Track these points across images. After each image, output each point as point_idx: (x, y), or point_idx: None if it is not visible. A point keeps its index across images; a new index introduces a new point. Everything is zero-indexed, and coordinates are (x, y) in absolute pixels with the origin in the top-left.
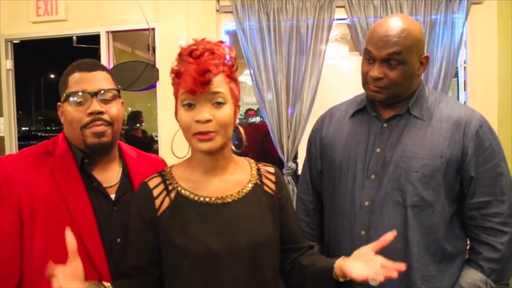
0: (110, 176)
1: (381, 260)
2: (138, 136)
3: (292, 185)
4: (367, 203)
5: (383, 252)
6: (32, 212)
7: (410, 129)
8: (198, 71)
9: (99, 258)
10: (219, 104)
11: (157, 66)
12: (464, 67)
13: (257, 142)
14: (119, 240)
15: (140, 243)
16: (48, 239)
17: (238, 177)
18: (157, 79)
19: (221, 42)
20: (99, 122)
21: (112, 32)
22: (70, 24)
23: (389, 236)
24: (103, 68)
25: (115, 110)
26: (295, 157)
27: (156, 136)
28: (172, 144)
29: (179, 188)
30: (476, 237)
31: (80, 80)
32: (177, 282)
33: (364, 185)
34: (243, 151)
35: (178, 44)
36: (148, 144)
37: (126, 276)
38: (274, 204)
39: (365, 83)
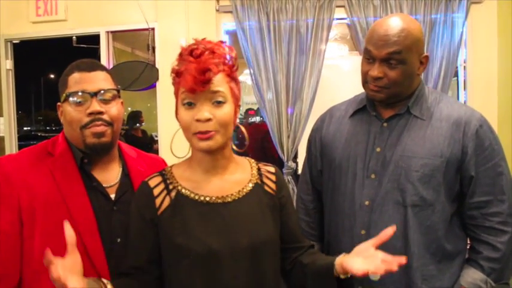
0: (109, 176)
1: (381, 254)
2: (138, 136)
3: (292, 184)
4: (367, 203)
5: (383, 251)
6: (32, 212)
7: (410, 128)
8: (198, 69)
9: (98, 258)
10: (219, 103)
11: (157, 66)
12: (464, 66)
13: (257, 142)
14: (118, 240)
15: (140, 243)
16: (48, 239)
17: (238, 176)
18: (157, 79)
19: (222, 42)
20: (99, 122)
21: (112, 32)
22: (70, 24)
23: (389, 232)
24: (103, 68)
25: (115, 110)
26: (295, 157)
27: (156, 136)
28: (171, 144)
29: (179, 188)
30: (476, 237)
31: (79, 80)
32: (177, 282)
33: (364, 184)
34: (240, 151)
35: (178, 44)
36: (148, 144)
37: (126, 275)
38: (274, 204)
39: (365, 83)
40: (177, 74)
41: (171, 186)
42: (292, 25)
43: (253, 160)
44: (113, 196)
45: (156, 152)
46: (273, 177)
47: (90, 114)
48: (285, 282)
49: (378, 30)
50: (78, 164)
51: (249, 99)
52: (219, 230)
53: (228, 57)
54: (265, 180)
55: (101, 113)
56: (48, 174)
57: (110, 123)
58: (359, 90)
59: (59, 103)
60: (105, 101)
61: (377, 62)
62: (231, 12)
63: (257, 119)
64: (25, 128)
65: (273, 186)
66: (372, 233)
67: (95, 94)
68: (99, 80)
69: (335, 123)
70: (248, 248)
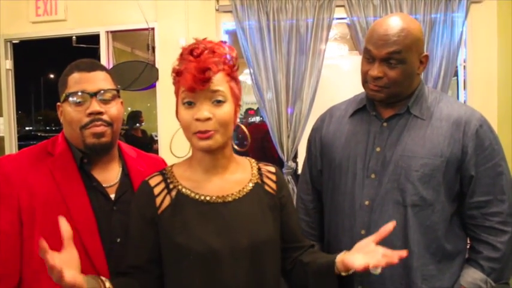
0: (109, 176)
1: (381, 250)
2: (138, 136)
3: (292, 184)
4: (367, 203)
5: None
6: (32, 212)
7: (410, 128)
8: (197, 68)
9: (98, 258)
10: (219, 103)
11: (156, 66)
12: (464, 66)
13: (257, 142)
14: (118, 240)
15: (140, 242)
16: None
17: (239, 176)
18: (157, 79)
19: (223, 42)
20: (99, 123)
21: (111, 31)
22: (69, 24)
23: (388, 227)
24: (102, 68)
25: (114, 110)
26: (295, 156)
27: (156, 136)
28: (171, 144)
29: (180, 187)
30: (476, 237)
31: (79, 80)
32: (178, 281)
33: (364, 184)
34: (242, 151)
35: (177, 44)
36: (148, 144)
37: (125, 275)
38: (275, 204)
39: (365, 82)
40: (177, 74)
41: (171, 186)
42: (292, 25)
43: (253, 160)
44: (112, 196)
45: (156, 152)
46: (274, 177)
47: (90, 114)
48: (286, 282)
49: (377, 30)
50: (77, 164)
51: (248, 99)
52: (219, 230)
53: (228, 56)
54: (266, 180)
55: (100, 113)
56: (48, 174)
57: (109, 124)
58: (359, 90)
59: (58, 103)
60: (105, 101)
61: (377, 61)
62: (230, 12)
63: (257, 118)
64: (27, 128)
65: (273, 186)
66: (372, 232)
67: (94, 94)
68: (99, 80)
69: (335, 123)
70: (248, 248)
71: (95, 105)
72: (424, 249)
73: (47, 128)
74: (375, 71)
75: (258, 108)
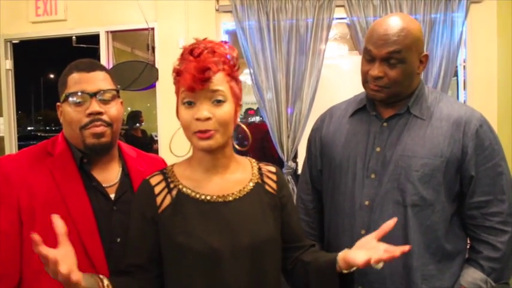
0: (109, 176)
1: (383, 245)
2: (138, 136)
3: (292, 184)
4: (367, 202)
5: None
6: (32, 212)
7: (410, 128)
8: (197, 68)
9: (98, 257)
10: (219, 102)
11: (156, 66)
12: (464, 66)
13: (257, 141)
14: (118, 240)
15: (140, 241)
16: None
17: (239, 176)
18: (157, 79)
19: (223, 42)
20: (99, 123)
21: (111, 31)
22: (69, 24)
23: (390, 224)
24: (102, 68)
25: (114, 110)
26: (295, 156)
27: (156, 136)
28: (170, 144)
29: (180, 186)
30: (476, 237)
31: (78, 81)
32: (178, 280)
33: (364, 184)
34: (243, 150)
35: (177, 44)
36: (148, 144)
37: (125, 273)
38: (275, 204)
39: (365, 82)
40: (177, 73)
41: (172, 185)
42: (292, 25)
43: (254, 160)
44: (112, 196)
45: (156, 151)
46: (274, 177)
47: (90, 114)
48: (287, 282)
49: (377, 30)
50: (77, 164)
51: (248, 99)
52: (220, 229)
53: (228, 56)
54: (266, 180)
55: (100, 113)
56: (48, 174)
57: (109, 124)
58: (359, 90)
59: (58, 103)
60: (105, 101)
61: (377, 61)
62: (230, 12)
63: (257, 118)
64: (29, 128)
65: (273, 185)
66: (371, 232)
67: (94, 94)
68: (99, 80)
69: (335, 122)
70: (249, 248)
71: (95, 106)
72: (424, 249)
73: (47, 128)
74: (375, 70)
75: (257, 108)
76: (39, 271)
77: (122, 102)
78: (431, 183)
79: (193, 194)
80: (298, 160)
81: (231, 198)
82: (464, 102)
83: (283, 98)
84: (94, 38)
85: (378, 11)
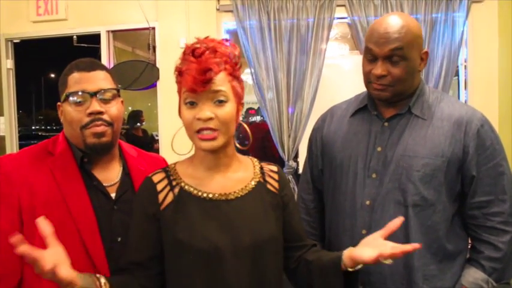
0: (110, 175)
1: (390, 243)
2: (139, 135)
3: (293, 183)
4: (368, 202)
5: None
6: (32, 212)
7: (411, 128)
8: (198, 69)
9: (99, 257)
10: (221, 102)
11: (157, 65)
12: (465, 66)
13: (258, 141)
14: (119, 239)
15: (141, 238)
16: None
17: (241, 175)
18: (158, 78)
19: (225, 40)
20: (99, 122)
21: (112, 31)
22: (70, 24)
23: (396, 222)
24: (102, 67)
25: (115, 109)
26: (296, 156)
27: (157, 135)
28: (172, 142)
29: (183, 184)
30: (477, 237)
31: (79, 80)
32: (179, 278)
33: (365, 184)
34: (243, 150)
35: (178, 44)
36: (149, 143)
37: (125, 271)
38: (277, 203)
39: (368, 83)
40: (179, 73)
41: (174, 183)
42: (293, 24)
43: (255, 159)
44: (113, 195)
45: (157, 151)
46: (276, 176)
47: (90, 114)
48: (290, 281)
49: (378, 29)
50: (78, 163)
51: (249, 99)
52: (221, 227)
53: (230, 55)
54: (268, 179)
55: (101, 112)
56: (49, 173)
57: (110, 123)
58: (360, 89)
59: (59, 103)
60: (105, 101)
61: (379, 60)
62: (231, 11)
63: (258, 118)
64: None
65: (275, 184)
66: (372, 232)
67: (94, 94)
68: (99, 80)
69: (336, 122)
70: (250, 246)
71: (95, 105)
72: (425, 249)
73: (48, 127)
74: (379, 69)
75: (258, 107)
76: None
77: (122, 102)
78: (432, 183)
79: (195, 191)
80: (299, 160)
81: (232, 197)
82: (465, 102)
83: (284, 98)
84: (95, 38)
85: (379, 11)
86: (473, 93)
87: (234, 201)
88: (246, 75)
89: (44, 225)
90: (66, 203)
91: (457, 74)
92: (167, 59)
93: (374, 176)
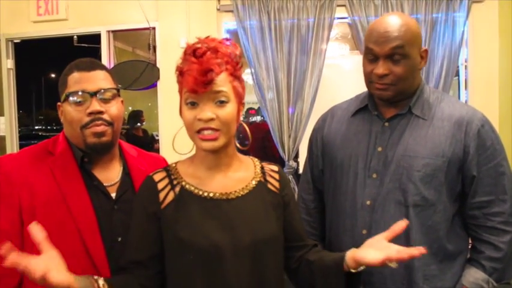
0: (110, 175)
1: (395, 246)
2: (139, 135)
3: (293, 183)
4: (368, 202)
5: None
6: (33, 211)
7: (411, 128)
8: (199, 70)
9: (99, 257)
10: (222, 103)
11: (158, 65)
12: (465, 66)
13: (258, 141)
14: (119, 239)
15: (142, 237)
16: (49, 238)
17: (242, 174)
18: (158, 78)
19: (226, 39)
20: (99, 122)
21: (113, 31)
22: (71, 24)
23: (401, 225)
24: (102, 67)
25: (115, 109)
26: (296, 156)
27: (157, 135)
28: (173, 142)
29: (183, 183)
30: (478, 237)
31: (79, 80)
32: (179, 276)
33: (366, 184)
34: (244, 150)
35: (179, 44)
36: (149, 143)
37: (125, 270)
38: (278, 202)
39: (370, 83)
40: (180, 73)
41: (175, 182)
42: (293, 24)
43: (256, 159)
44: (113, 195)
45: (157, 151)
46: (277, 176)
47: (90, 114)
48: (291, 281)
49: (377, 29)
50: (78, 163)
51: (249, 99)
52: (222, 226)
53: (231, 55)
54: (269, 179)
55: (101, 112)
56: (49, 173)
57: (110, 123)
58: (360, 89)
59: (59, 103)
60: (105, 100)
61: (381, 59)
62: (232, 11)
63: (258, 118)
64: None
65: (276, 184)
66: (373, 232)
67: (94, 93)
68: (99, 80)
69: (336, 122)
70: (251, 246)
71: (95, 105)
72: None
73: (48, 127)
74: (380, 68)
75: (259, 107)
76: None
77: (122, 101)
78: (433, 183)
79: (196, 190)
80: (299, 160)
81: (233, 196)
82: (466, 102)
83: (285, 98)
84: (95, 38)
85: (379, 11)
86: (474, 93)
87: (234, 201)
88: (247, 75)
89: (36, 231)
90: (67, 203)
91: (457, 74)
92: (167, 59)
93: (374, 176)
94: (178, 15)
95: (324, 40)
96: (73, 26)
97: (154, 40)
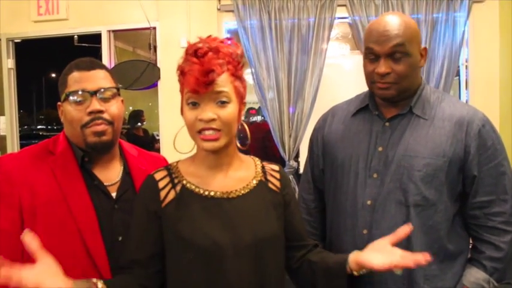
0: (110, 175)
1: (399, 251)
2: (140, 135)
3: (294, 183)
4: (369, 202)
5: None
6: (33, 211)
7: (412, 128)
8: (201, 71)
9: (100, 256)
10: (223, 103)
11: (158, 65)
12: (466, 66)
13: (258, 141)
14: (120, 238)
15: (142, 236)
16: (49, 238)
17: (242, 173)
18: (159, 78)
19: (227, 39)
20: (99, 121)
21: (113, 31)
22: (71, 23)
23: (406, 230)
24: (102, 67)
25: (115, 108)
26: (297, 156)
27: (158, 135)
28: (174, 141)
29: (184, 182)
30: (478, 237)
31: (79, 79)
32: (180, 275)
33: (366, 183)
34: (245, 149)
35: (179, 43)
36: (149, 143)
37: (125, 270)
38: (279, 202)
39: (371, 83)
40: (181, 73)
41: (176, 181)
42: (294, 24)
43: (257, 158)
44: (114, 195)
45: (158, 151)
46: (277, 175)
47: (91, 113)
48: (292, 281)
49: (377, 28)
50: (79, 163)
51: (250, 98)
52: (223, 225)
53: (233, 55)
54: (270, 178)
55: (101, 111)
56: (49, 172)
57: (110, 122)
58: (361, 89)
59: (59, 103)
60: (105, 100)
61: (382, 58)
62: (232, 11)
63: (258, 118)
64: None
65: (277, 183)
66: (373, 232)
67: (94, 93)
68: (99, 79)
69: (337, 122)
70: (251, 245)
71: (95, 104)
72: (426, 249)
73: (49, 127)
74: (382, 67)
75: (259, 107)
76: None
77: (122, 101)
78: (433, 183)
79: (197, 189)
80: (299, 159)
81: (234, 195)
82: (466, 101)
83: (285, 98)
84: (96, 37)
85: (380, 11)
86: (474, 93)
87: (235, 200)
88: (247, 75)
89: (29, 240)
90: (67, 203)
91: (458, 74)
92: (168, 59)
93: (375, 175)
94: (179, 15)
95: (325, 40)
96: (73, 26)
97: (154, 40)
